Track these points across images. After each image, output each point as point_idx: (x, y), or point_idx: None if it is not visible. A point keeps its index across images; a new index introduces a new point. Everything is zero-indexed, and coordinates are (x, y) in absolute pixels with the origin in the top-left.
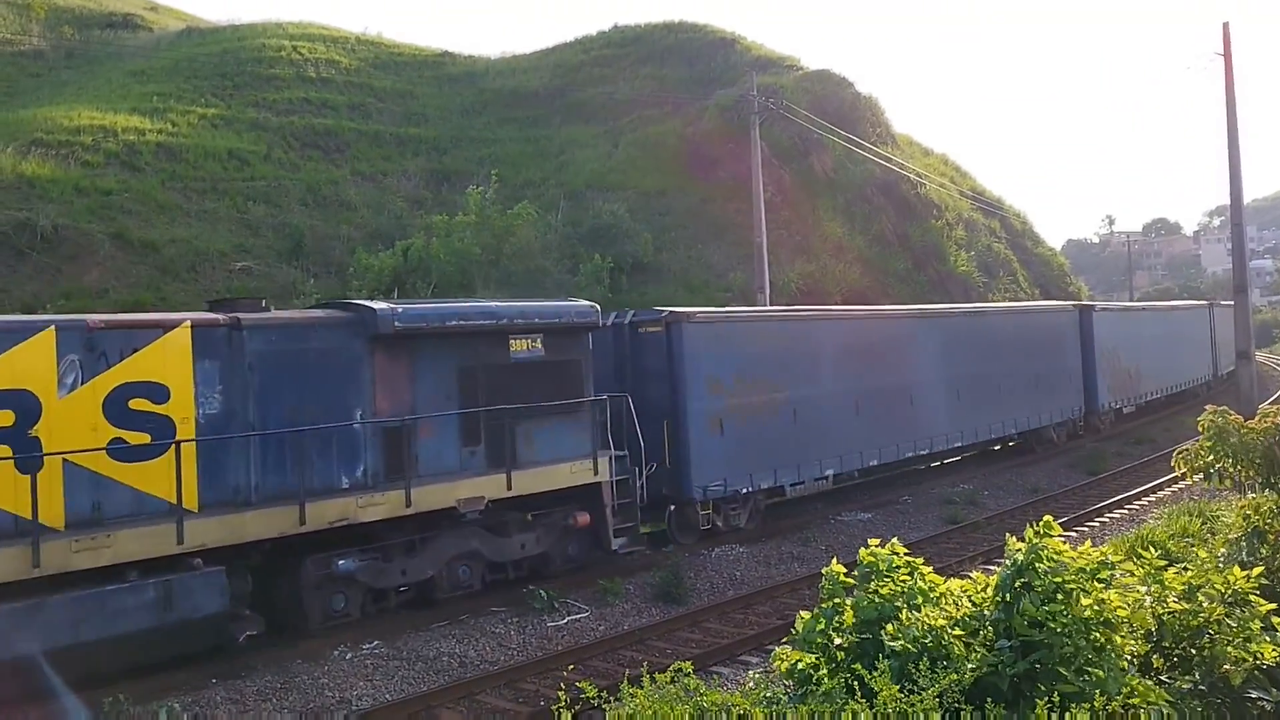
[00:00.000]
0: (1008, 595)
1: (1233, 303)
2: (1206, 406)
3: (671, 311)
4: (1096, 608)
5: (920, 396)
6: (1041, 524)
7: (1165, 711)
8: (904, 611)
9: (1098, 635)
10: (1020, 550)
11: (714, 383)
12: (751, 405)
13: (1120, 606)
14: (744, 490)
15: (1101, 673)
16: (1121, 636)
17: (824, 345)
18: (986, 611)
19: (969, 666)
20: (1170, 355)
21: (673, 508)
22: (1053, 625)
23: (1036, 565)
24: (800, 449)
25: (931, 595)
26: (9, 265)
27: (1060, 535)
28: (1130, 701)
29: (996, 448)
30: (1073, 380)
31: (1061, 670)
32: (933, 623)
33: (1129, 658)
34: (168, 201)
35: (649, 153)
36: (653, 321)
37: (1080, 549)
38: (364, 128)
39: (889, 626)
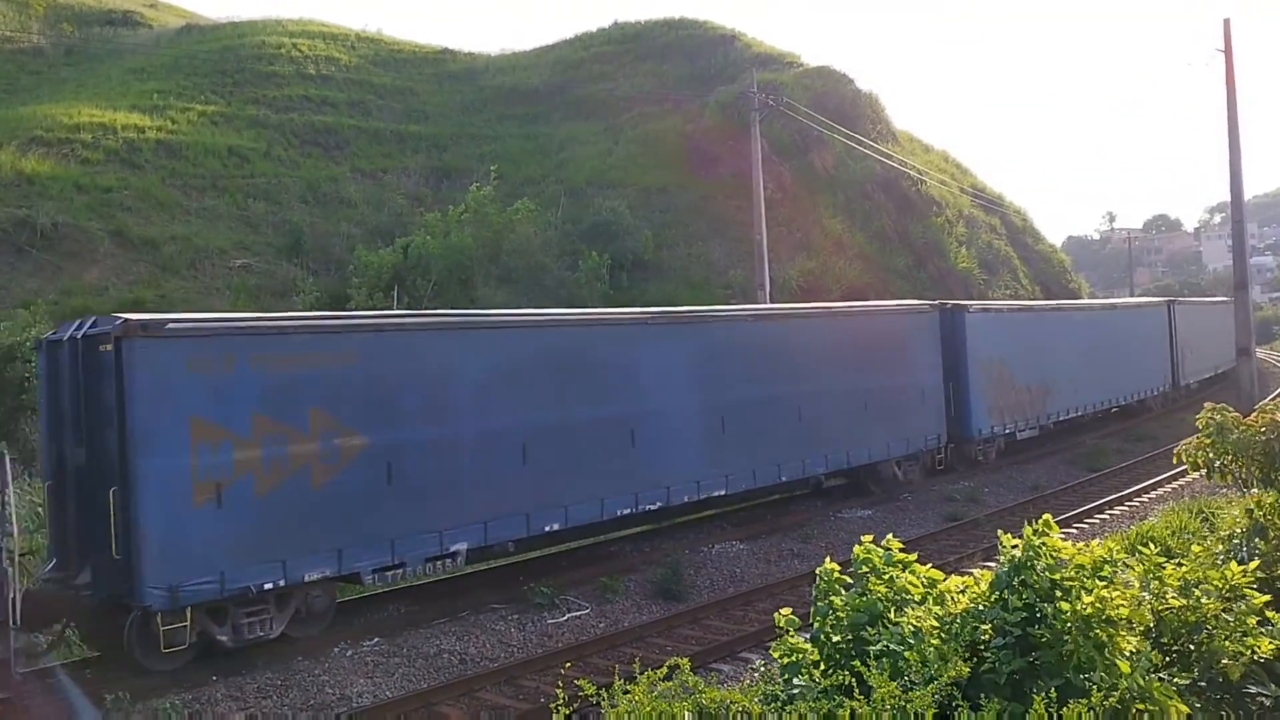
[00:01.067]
0: (1005, 593)
1: (1208, 300)
2: (1205, 404)
3: (126, 320)
4: (1098, 605)
5: (651, 431)
6: (1040, 522)
7: (1182, 711)
8: (890, 611)
9: (1100, 633)
10: (1018, 547)
11: (209, 428)
12: (290, 459)
13: (1121, 604)
14: (269, 585)
15: (1125, 665)
16: (1123, 634)
17: (461, 368)
18: (983, 608)
19: (952, 668)
20: (1104, 365)
21: (137, 615)
22: (1055, 623)
23: (1035, 563)
24: (397, 518)
25: (929, 594)
26: (9, 263)
27: (1059, 534)
28: (1139, 706)
29: (838, 480)
30: (929, 401)
31: (1064, 668)
32: (919, 624)
33: (1131, 655)
34: (167, 199)
35: (649, 149)
36: (105, 335)
37: (1079, 546)
38: (364, 125)
39: (869, 630)
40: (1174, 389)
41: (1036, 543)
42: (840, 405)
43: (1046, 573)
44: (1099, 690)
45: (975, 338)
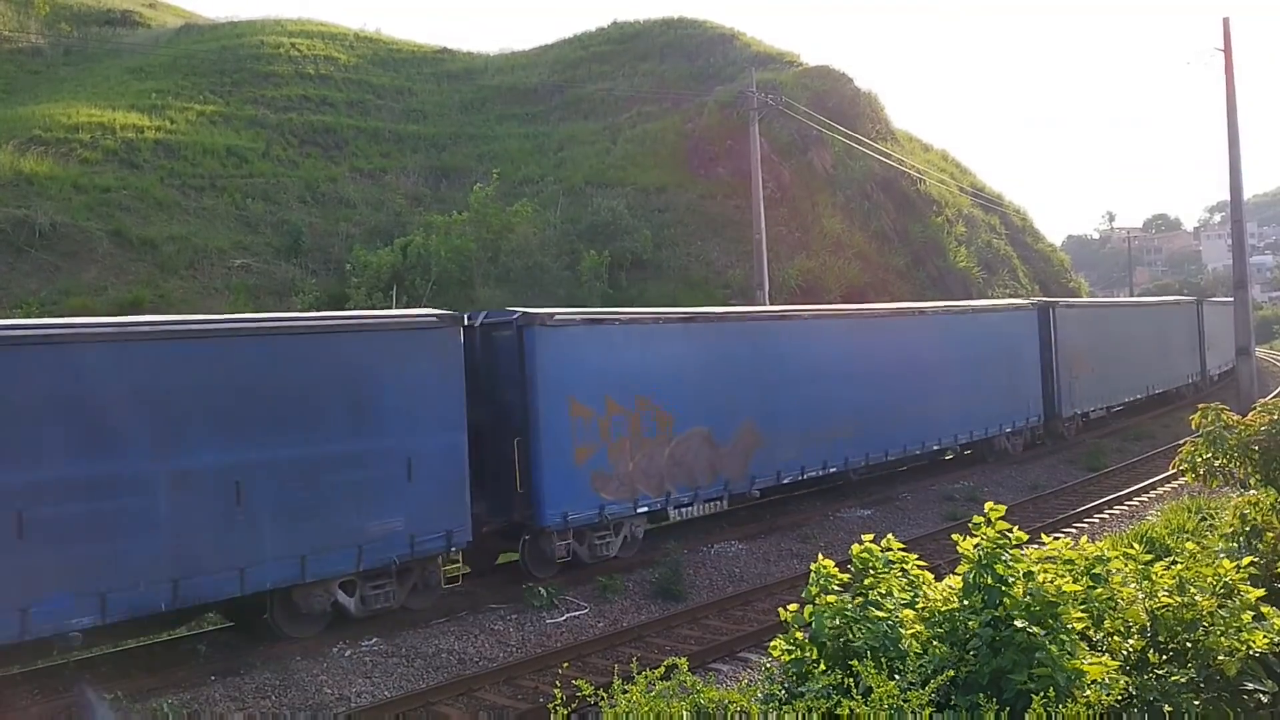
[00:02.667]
0: (976, 595)
1: (1137, 302)
2: (1198, 406)
3: None
4: (1032, 592)
5: None
6: (990, 510)
7: (1111, 665)
8: (871, 611)
9: (1044, 613)
10: (975, 543)
11: None
12: None
13: (1058, 579)
14: None
15: (1054, 649)
16: (1069, 611)
17: None
18: (964, 604)
19: (935, 663)
20: (905, 397)
21: None
22: (1013, 615)
23: (1001, 557)
24: None
25: (915, 595)
26: (7, 263)
27: (999, 516)
28: (1079, 682)
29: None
30: (429, 476)
31: (1027, 660)
32: (896, 619)
33: (1069, 629)
34: (166, 199)
35: (648, 149)
36: None
37: (1057, 540)
38: (363, 124)
39: (851, 631)
40: (1052, 420)
41: (993, 534)
42: (180, 498)
43: (1012, 564)
44: (1043, 668)
45: (564, 365)
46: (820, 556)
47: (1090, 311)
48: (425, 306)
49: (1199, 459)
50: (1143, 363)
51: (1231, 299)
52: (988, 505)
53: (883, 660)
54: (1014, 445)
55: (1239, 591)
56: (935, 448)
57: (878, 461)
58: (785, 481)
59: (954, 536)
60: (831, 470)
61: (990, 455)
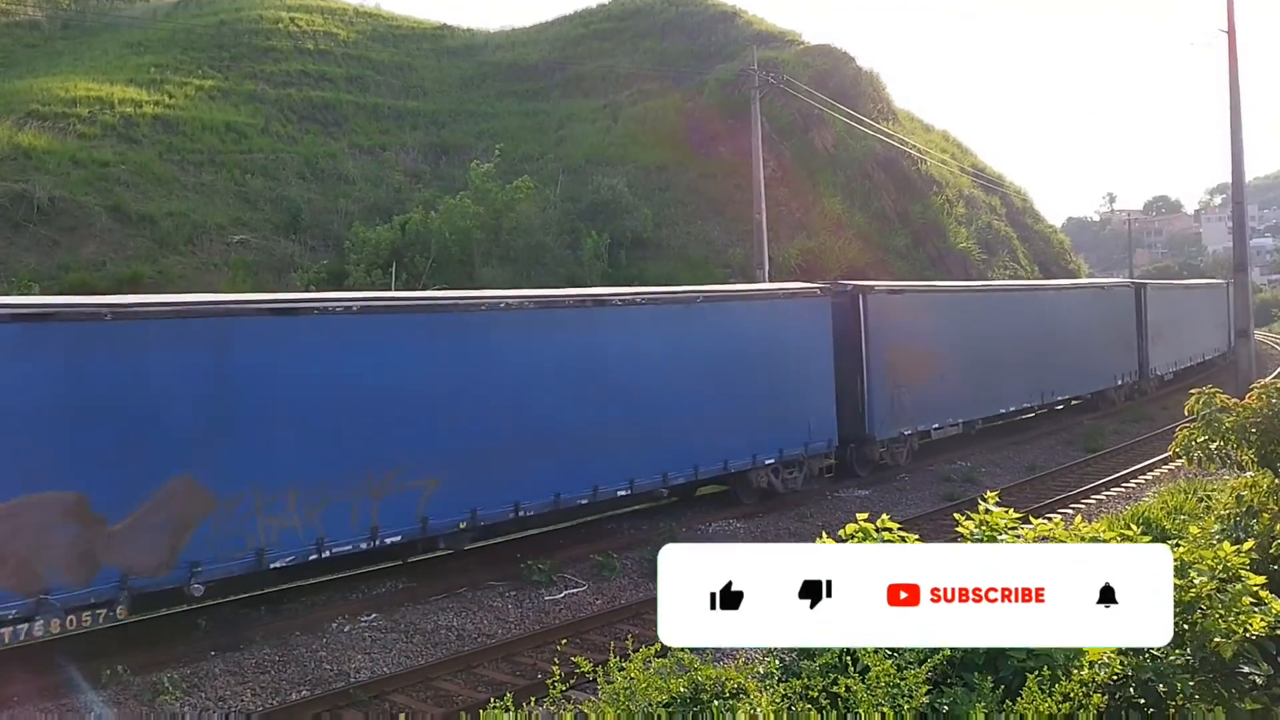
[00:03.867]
0: None
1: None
2: (1191, 391)
3: None
4: None
5: None
6: (989, 498)
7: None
8: None
9: None
10: (974, 527)
11: None
12: None
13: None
14: None
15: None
16: None
17: None
18: None
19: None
20: (555, 421)
21: None
22: None
23: (998, 539)
24: None
25: None
26: (5, 238)
27: (996, 503)
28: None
29: None
30: None
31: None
32: None
33: None
34: (165, 174)
35: (649, 128)
36: None
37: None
38: (362, 100)
39: None
40: (863, 444)
41: (993, 520)
42: None
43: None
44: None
45: None
46: (825, 535)
47: (933, 299)
48: (425, 285)
49: (1194, 442)
50: (1035, 365)
51: (1210, 281)
52: (989, 494)
53: None
54: (786, 481)
55: (1241, 576)
56: (623, 493)
57: (498, 519)
58: (276, 566)
59: (955, 515)
60: (392, 539)
61: (746, 495)
